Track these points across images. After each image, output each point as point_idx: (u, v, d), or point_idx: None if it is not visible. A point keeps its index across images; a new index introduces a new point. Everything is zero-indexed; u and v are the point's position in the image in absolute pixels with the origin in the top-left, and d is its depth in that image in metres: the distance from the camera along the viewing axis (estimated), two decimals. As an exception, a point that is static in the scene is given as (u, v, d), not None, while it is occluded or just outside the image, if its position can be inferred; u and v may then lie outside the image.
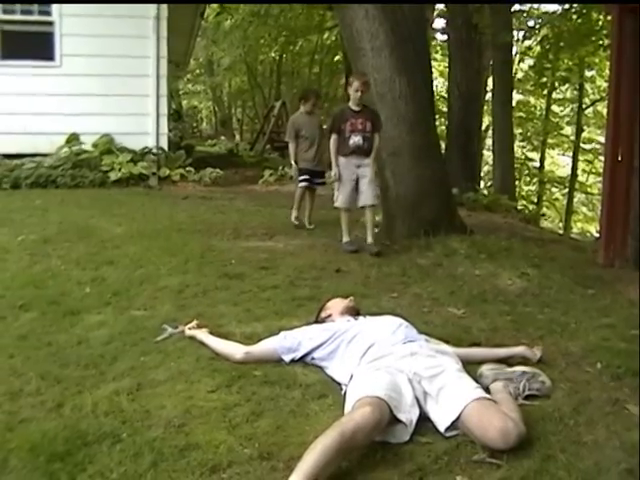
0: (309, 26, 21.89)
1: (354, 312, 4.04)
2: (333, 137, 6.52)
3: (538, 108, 24.95)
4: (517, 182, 20.11)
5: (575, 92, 23.99)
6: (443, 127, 15.82)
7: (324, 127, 7.69)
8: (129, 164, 10.85)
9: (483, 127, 17.22)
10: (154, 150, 11.46)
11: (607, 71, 14.00)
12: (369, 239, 6.43)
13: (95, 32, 11.18)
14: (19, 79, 11.12)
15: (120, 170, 10.69)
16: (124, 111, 11.40)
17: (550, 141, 24.95)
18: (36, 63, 11.35)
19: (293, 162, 7.95)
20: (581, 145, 23.84)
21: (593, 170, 24.89)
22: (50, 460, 2.66)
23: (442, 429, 2.87)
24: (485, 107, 16.09)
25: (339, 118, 6.52)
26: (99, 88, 11.20)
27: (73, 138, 11.17)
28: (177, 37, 13.98)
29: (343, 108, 6.68)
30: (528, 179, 25.18)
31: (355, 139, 6.38)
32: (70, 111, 11.10)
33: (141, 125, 11.58)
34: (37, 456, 2.69)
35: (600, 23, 13.79)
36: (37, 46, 11.44)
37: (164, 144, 11.79)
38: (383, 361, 3.22)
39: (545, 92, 22.75)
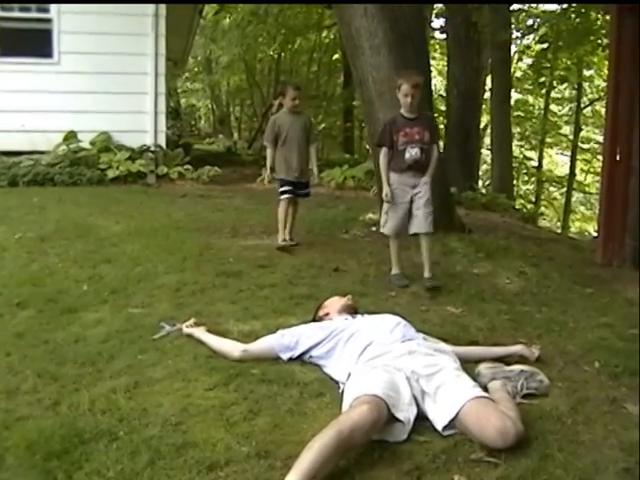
0: (308, 24, 21.85)
1: (352, 310, 4.04)
2: (383, 151, 5.50)
3: (536, 107, 24.95)
4: (515, 181, 20.17)
5: (573, 91, 24.00)
6: (442, 126, 15.79)
7: (311, 129, 6.72)
8: (127, 162, 10.82)
9: (481, 126, 17.22)
10: (152, 148, 11.43)
11: (606, 70, 14.01)
12: (426, 273, 5.36)
13: (93, 29, 11.15)
14: (17, 76, 11.07)
15: (118, 168, 10.66)
16: (122, 109, 11.37)
17: (548, 140, 24.97)
18: (34, 60, 11.30)
19: (268, 170, 6.62)
20: (579, 144, 23.85)
21: (591, 169, 24.92)
22: (47, 458, 2.66)
23: (440, 428, 2.87)
24: (484, 106, 16.10)
25: (390, 127, 5.49)
26: (97, 86, 11.16)
27: (71, 136, 11.14)
28: (175, 35, 13.95)
29: (395, 116, 5.56)
30: (526, 178, 25.24)
31: (412, 152, 5.34)
32: (68, 108, 11.06)
33: (139, 123, 11.55)
34: (34, 454, 2.69)
35: (599, 22, 13.77)
36: (35, 43, 11.41)
37: (162, 142, 11.75)
38: (381, 359, 3.21)
39: (543, 91, 22.73)
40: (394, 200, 5.41)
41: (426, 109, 6.99)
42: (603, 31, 13.30)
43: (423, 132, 5.40)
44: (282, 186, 6.57)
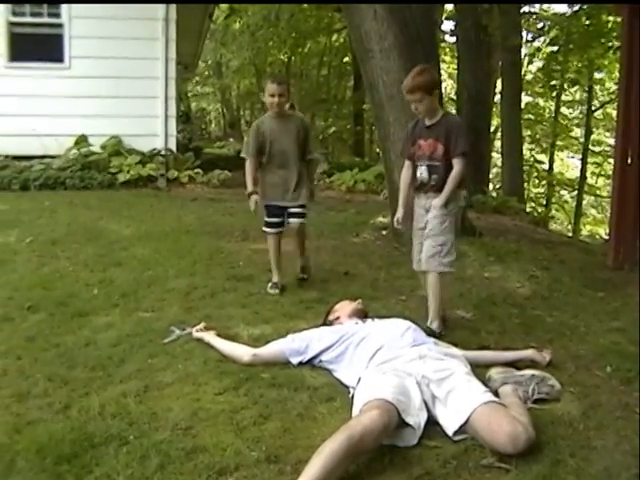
0: (318, 28, 21.87)
1: (362, 315, 4.03)
2: (406, 164, 4.58)
3: (547, 110, 24.86)
4: (526, 184, 20.06)
5: (584, 94, 23.91)
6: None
7: (307, 136, 5.36)
8: (137, 166, 10.86)
9: (492, 129, 17.17)
10: (162, 152, 11.48)
11: (617, 73, 13.94)
12: (429, 320, 4.30)
13: (104, 34, 11.21)
14: (28, 81, 11.14)
15: (129, 172, 10.70)
16: (133, 113, 11.42)
17: (559, 143, 24.84)
18: (45, 65, 11.38)
19: (250, 188, 5.16)
20: (590, 147, 23.73)
21: (602, 172, 24.76)
22: (57, 462, 2.67)
23: (450, 433, 2.85)
24: (494, 109, 16.05)
25: (408, 136, 4.61)
26: (108, 90, 11.23)
27: (82, 140, 11.20)
28: (186, 39, 14.00)
29: (416, 122, 4.53)
30: (537, 181, 25.09)
31: (420, 170, 4.39)
32: (79, 113, 11.12)
33: (150, 127, 11.60)
34: (44, 458, 2.70)
35: (610, 25, 13.74)
36: (46, 48, 11.48)
37: (173, 146, 11.80)
38: (391, 364, 3.20)
39: (554, 94, 22.67)
40: (413, 226, 4.51)
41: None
42: (614, 33, 13.27)
43: (435, 144, 4.31)
44: (268, 215, 5.27)
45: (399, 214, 4.51)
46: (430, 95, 4.26)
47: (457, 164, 4.24)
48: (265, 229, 5.31)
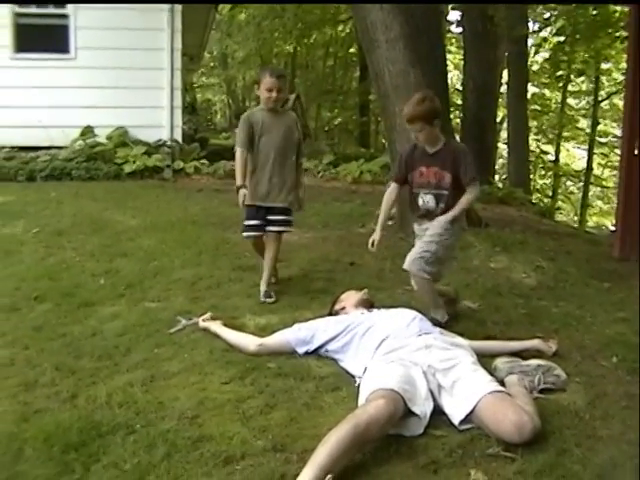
0: (323, 18, 21.82)
1: (368, 305, 4.04)
2: (392, 186, 4.47)
3: (553, 101, 24.76)
4: (532, 175, 20.04)
5: (591, 85, 23.81)
6: (458, 120, 15.73)
7: (299, 137, 5.04)
8: (143, 157, 10.85)
9: (498, 120, 17.12)
10: (168, 143, 11.48)
11: (624, 63, 13.87)
12: (431, 309, 4.25)
13: (110, 25, 11.20)
14: (34, 72, 11.14)
15: (134, 163, 10.70)
16: (138, 104, 11.42)
17: (565, 134, 24.76)
18: (51, 56, 11.38)
19: (239, 181, 4.71)
20: (597, 138, 23.63)
21: (609, 163, 24.69)
22: (64, 450, 2.69)
23: (456, 422, 2.86)
24: (500, 100, 16.00)
25: (406, 161, 4.38)
26: (113, 81, 11.22)
27: (88, 131, 11.21)
28: (191, 30, 13.97)
29: (414, 146, 4.37)
30: (543, 172, 25.05)
31: (425, 199, 4.26)
32: (84, 104, 11.12)
33: (155, 118, 11.59)
34: (52, 446, 2.71)
35: (617, 15, 13.66)
36: (52, 39, 11.49)
37: (178, 137, 11.80)
38: (397, 354, 3.21)
39: (561, 85, 22.58)
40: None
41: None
42: (621, 23, 13.19)
43: (442, 173, 4.19)
44: (247, 217, 4.84)
45: (377, 237, 4.34)
46: (430, 125, 4.13)
47: (470, 191, 4.19)
48: (243, 234, 4.93)
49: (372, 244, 4.35)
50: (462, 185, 4.18)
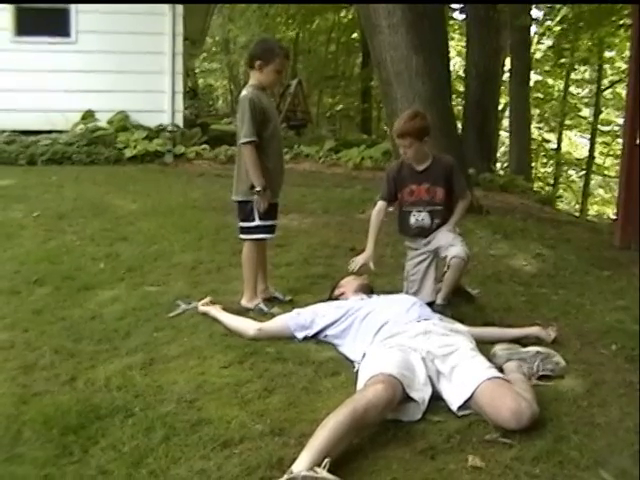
0: (326, 4, 21.74)
1: (368, 290, 4.04)
2: (379, 205, 4.39)
3: (556, 89, 24.69)
4: (534, 163, 20.00)
5: (594, 73, 23.74)
6: (460, 107, 15.69)
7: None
8: (144, 141, 10.85)
9: (500, 107, 17.09)
10: (169, 127, 11.46)
11: (627, 52, 13.82)
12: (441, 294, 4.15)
13: (111, 9, 11.16)
14: (35, 55, 11.12)
15: (135, 147, 10.69)
16: (139, 88, 11.39)
17: (568, 122, 24.71)
18: (52, 40, 11.35)
19: (263, 182, 4.01)
20: (599, 127, 23.60)
21: (611, 152, 24.65)
22: (63, 433, 2.69)
23: (454, 408, 2.86)
24: (502, 87, 15.96)
25: (394, 180, 4.32)
26: (115, 65, 11.19)
27: (89, 115, 11.19)
28: (193, 14, 13.91)
29: (401, 164, 4.36)
30: (545, 160, 25.01)
31: (418, 217, 4.23)
32: (86, 88, 11.10)
33: (157, 102, 11.57)
34: (50, 429, 2.72)
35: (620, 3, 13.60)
36: (53, 23, 11.44)
37: (179, 122, 11.79)
38: (396, 339, 3.21)
39: (564, 73, 22.51)
40: (406, 274, 4.37)
41: (440, 88, 6.82)
42: (625, 11, 13.13)
43: (434, 189, 4.19)
44: (265, 217, 4.15)
45: (368, 258, 4.23)
46: (420, 141, 4.12)
47: (464, 200, 4.31)
48: (265, 235, 4.23)
49: (362, 263, 4.22)
50: (455, 197, 4.27)
